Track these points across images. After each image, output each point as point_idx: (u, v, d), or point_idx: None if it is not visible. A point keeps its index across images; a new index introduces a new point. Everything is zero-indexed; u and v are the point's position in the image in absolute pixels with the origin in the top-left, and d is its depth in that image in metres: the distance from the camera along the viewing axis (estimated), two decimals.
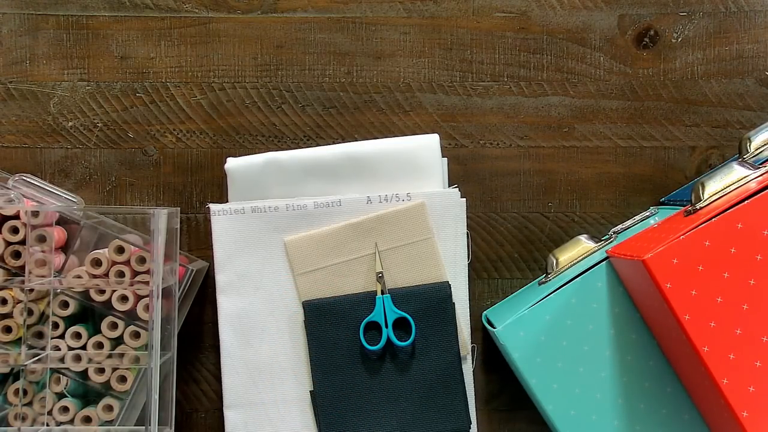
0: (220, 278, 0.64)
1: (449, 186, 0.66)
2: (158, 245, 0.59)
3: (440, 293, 0.63)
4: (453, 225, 0.64)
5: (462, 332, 0.63)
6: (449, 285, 0.63)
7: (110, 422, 0.62)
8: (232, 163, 0.65)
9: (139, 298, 0.62)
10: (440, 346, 0.62)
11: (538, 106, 0.69)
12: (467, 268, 0.64)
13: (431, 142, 0.64)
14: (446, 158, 0.66)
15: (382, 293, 0.63)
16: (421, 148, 0.64)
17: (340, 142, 0.69)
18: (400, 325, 0.63)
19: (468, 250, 0.64)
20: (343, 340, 0.63)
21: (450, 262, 0.64)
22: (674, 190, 0.68)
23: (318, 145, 0.69)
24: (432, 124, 0.69)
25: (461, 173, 0.68)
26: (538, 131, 0.69)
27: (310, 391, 0.63)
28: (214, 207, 0.64)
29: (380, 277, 0.63)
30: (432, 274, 0.63)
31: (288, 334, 0.64)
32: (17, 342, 0.62)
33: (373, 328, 0.62)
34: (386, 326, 0.62)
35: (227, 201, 0.66)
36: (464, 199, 0.65)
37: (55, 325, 0.62)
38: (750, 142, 0.56)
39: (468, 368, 0.64)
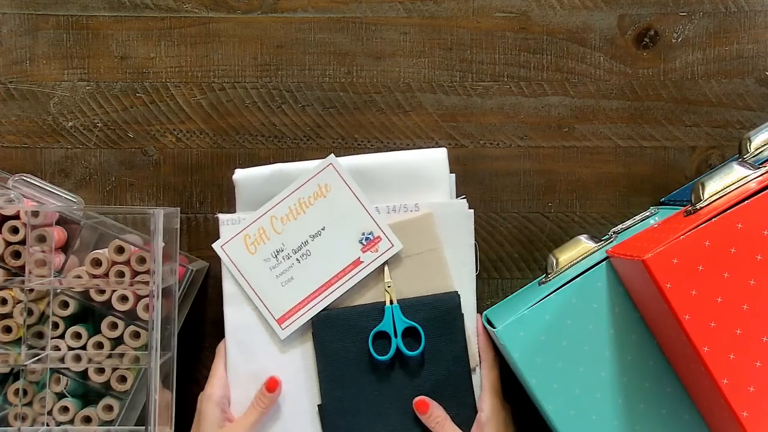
0: (228, 289, 0.64)
1: (457, 198, 0.65)
2: (158, 245, 0.59)
3: (449, 303, 0.62)
4: (461, 235, 0.63)
5: (471, 343, 0.63)
6: (458, 295, 0.62)
7: (110, 422, 0.62)
8: (239, 174, 0.64)
9: (139, 298, 0.62)
10: (449, 356, 0.62)
11: (538, 106, 0.69)
12: (475, 279, 0.64)
13: (439, 155, 0.64)
14: (454, 174, 0.65)
15: (391, 303, 0.62)
16: (428, 162, 0.63)
17: (340, 142, 0.69)
18: (409, 335, 0.62)
19: (476, 261, 0.64)
20: (352, 351, 0.62)
21: (458, 273, 0.63)
22: (674, 190, 0.68)
23: (318, 145, 0.69)
24: (432, 124, 0.69)
25: (461, 173, 0.68)
26: (538, 131, 0.69)
27: (318, 405, 0.62)
28: (222, 217, 0.64)
29: (389, 288, 0.62)
30: (440, 284, 0.63)
31: (297, 347, 0.63)
32: (17, 342, 0.62)
33: (382, 337, 0.62)
34: (395, 336, 0.61)
35: (233, 210, 0.65)
36: (472, 210, 0.64)
37: (55, 325, 0.62)
38: (750, 142, 0.56)
39: (477, 379, 0.63)
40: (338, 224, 0.63)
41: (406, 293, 0.63)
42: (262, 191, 0.64)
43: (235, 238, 0.63)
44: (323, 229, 0.63)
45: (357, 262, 0.62)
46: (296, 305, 0.63)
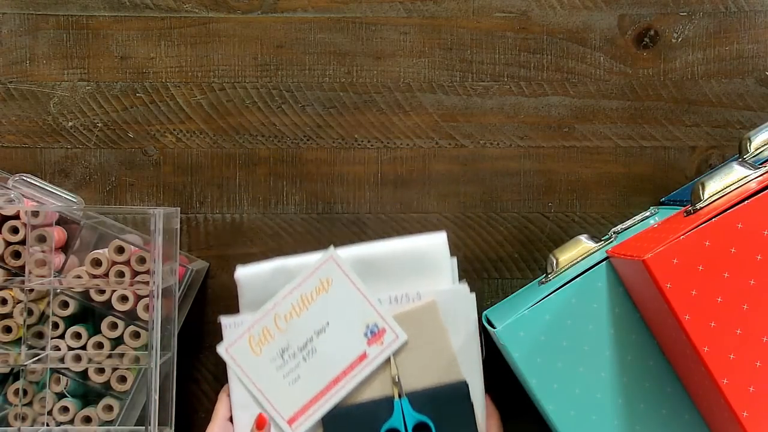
0: (235, 393, 0.62)
1: (459, 282, 0.64)
2: (158, 245, 0.59)
3: (458, 393, 0.61)
4: (465, 321, 0.62)
5: (481, 431, 0.61)
6: (466, 384, 0.61)
7: (110, 422, 0.62)
8: (241, 272, 0.63)
9: (139, 298, 0.62)
10: None
11: (538, 106, 0.69)
12: (482, 365, 0.62)
13: (439, 240, 0.63)
14: (455, 257, 0.64)
15: (400, 397, 0.61)
16: (429, 247, 0.62)
17: (340, 142, 0.69)
18: (420, 430, 0.60)
19: (481, 346, 0.62)
20: None
21: (464, 359, 0.62)
22: (674, 190, 0.68)
23: (318, 145, 0.69)
24: (432, 124, 0.69)
25: (461, 173, 0.68)
26: (538, 131, 0.69)
27: None
28: (225, 320, 0.63)
29: (396, 380, 0.61)
30: (448, 373, 0.61)
31: None
32: (17, 342, 0.62)
33: None
34: None
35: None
36: (473, 294, 0.62)
37: (55, 325, 0.62)
38: (750, 142, 0.56)
39: None
40: (342, 318, 0.62)
41: (414, 384, 0.61)
42: (265, 289, 0.63)
43: (239, 341, 0.62)
44: (327, 324, 0.62)
45: (363, 356, 0.61)
46: (305, 405, 0.61)
